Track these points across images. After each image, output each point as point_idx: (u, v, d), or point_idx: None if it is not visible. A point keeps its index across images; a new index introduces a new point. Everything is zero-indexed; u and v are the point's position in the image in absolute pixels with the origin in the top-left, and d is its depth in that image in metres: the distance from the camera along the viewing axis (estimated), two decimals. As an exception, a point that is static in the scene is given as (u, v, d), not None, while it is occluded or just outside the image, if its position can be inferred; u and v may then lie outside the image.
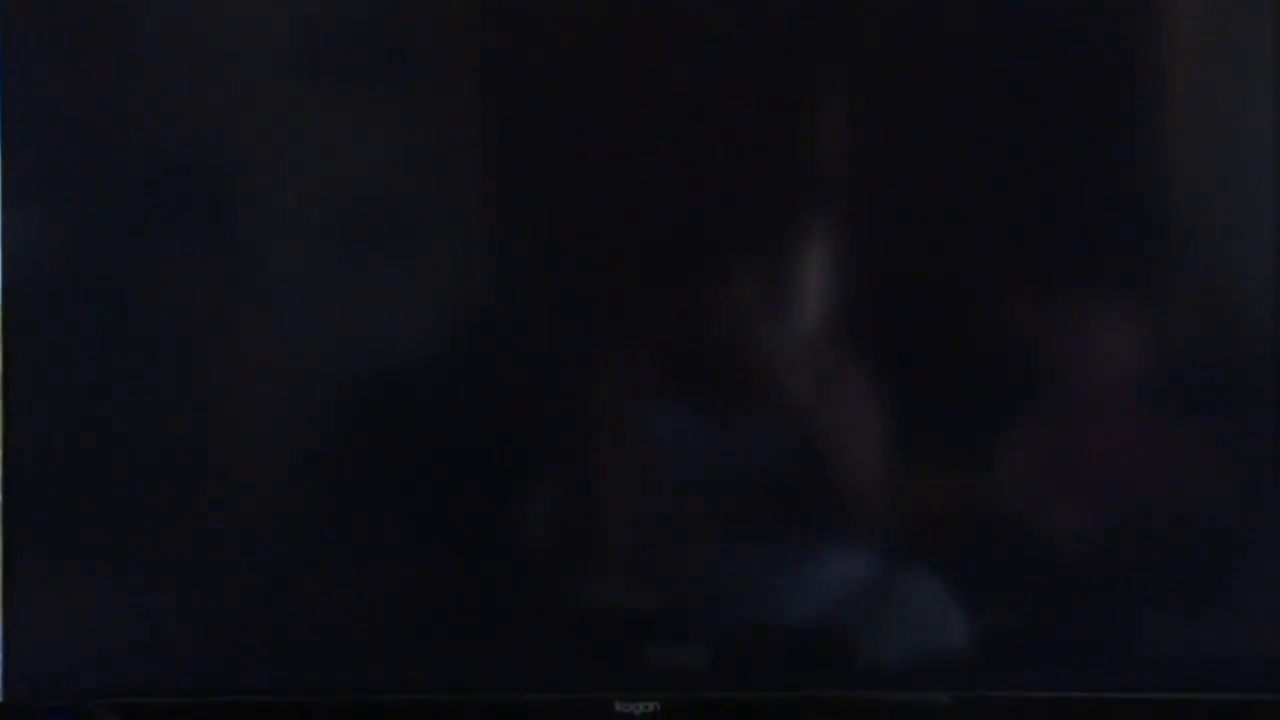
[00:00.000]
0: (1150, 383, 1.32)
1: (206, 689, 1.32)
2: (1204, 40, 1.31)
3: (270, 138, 1.33)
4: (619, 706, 1.30)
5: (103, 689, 1.32)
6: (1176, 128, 1.32)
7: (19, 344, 1.30)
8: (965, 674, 1.31)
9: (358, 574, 1.34)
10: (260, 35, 1.32)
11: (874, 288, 1.33)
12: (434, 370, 1.34)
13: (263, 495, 1.34)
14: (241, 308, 1.33)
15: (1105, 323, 1.32)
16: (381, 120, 1.33)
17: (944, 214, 1.32)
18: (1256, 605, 1.29)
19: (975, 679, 1.31)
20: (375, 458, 1.34)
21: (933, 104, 1.32)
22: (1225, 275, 1.31)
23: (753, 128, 1.32)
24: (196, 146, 1.33)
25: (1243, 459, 1.30)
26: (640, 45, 1.32)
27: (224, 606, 1.33)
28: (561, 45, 1.32)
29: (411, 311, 1.33)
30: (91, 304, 1.32)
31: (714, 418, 1.33)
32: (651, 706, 1.30)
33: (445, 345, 1.34)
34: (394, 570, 1.33)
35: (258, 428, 1.34)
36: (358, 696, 1.33)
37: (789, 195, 1.33)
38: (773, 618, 1.32)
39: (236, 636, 1.33)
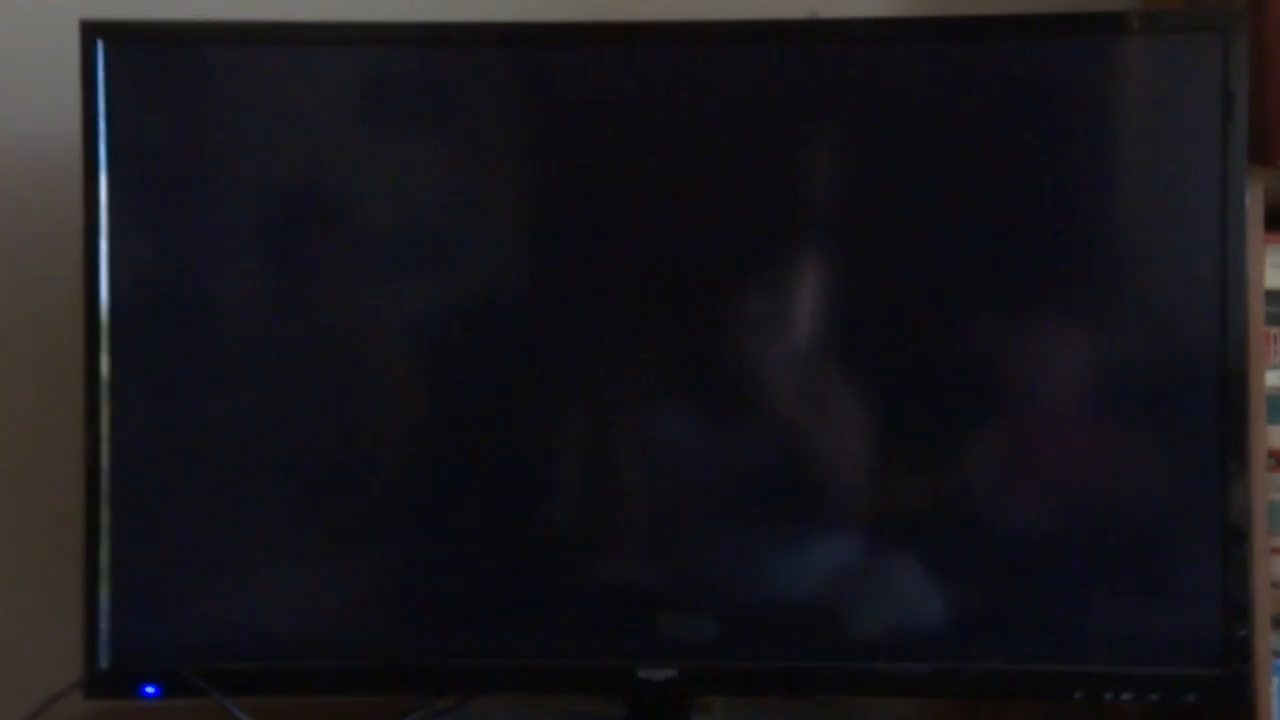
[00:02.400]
0: (1099, 394, 1.46)
1: (279, 656, 1.46)
2: (1152, 107, 1.45)
3: (339, 173, 1.47)
4: (641, 673, 1.44)
5: (191, 657, 1.44)
6: (1123, 177, 1.46)
7: (123, 349, 1.44)
8: (940, 648, 1.45)
9: (416, 558, 1.48)
10: (331, 88, 1.46)
11: (859, 312, 1.47)
12: (476, 376, 1.47)
13: (336, 488, 1.47)
14: (313, 314, 1.47)
15: (1060, 342, 1.45)
16: (433, 157, 1.48)
17: (921, 247, 1.46)
18: (1190, 589, 1.42)
19: (949, 652, 1.44)
20: (430, 456, 1.48)
21: (913, 158, 1.46)
22: (1165, 304, 1.45)
23: (756, 175, 1.46)
24: (275, 179, 1.47)
25: (1179, 461, 1.43)
26: (661, 105, 1.46)
27: (295, 585, 1.47)
28: (590, 96, 1.46)
29: (451, 327, 1.47)
30: (185, 312, 1.46)
31: (722, 420, 1.46)
32: (669, 673, 1.44)
33: (483, 355, 1.47)
34: (446, 555, 1.47)
35: (330, 425, 1.47)
36: (415, 660, 1.46)
37: (785, 231, 1.47)
38: (774, 598, 1.46)
39: (306, 610, 1.47)
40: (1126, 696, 1.42)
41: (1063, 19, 1.45)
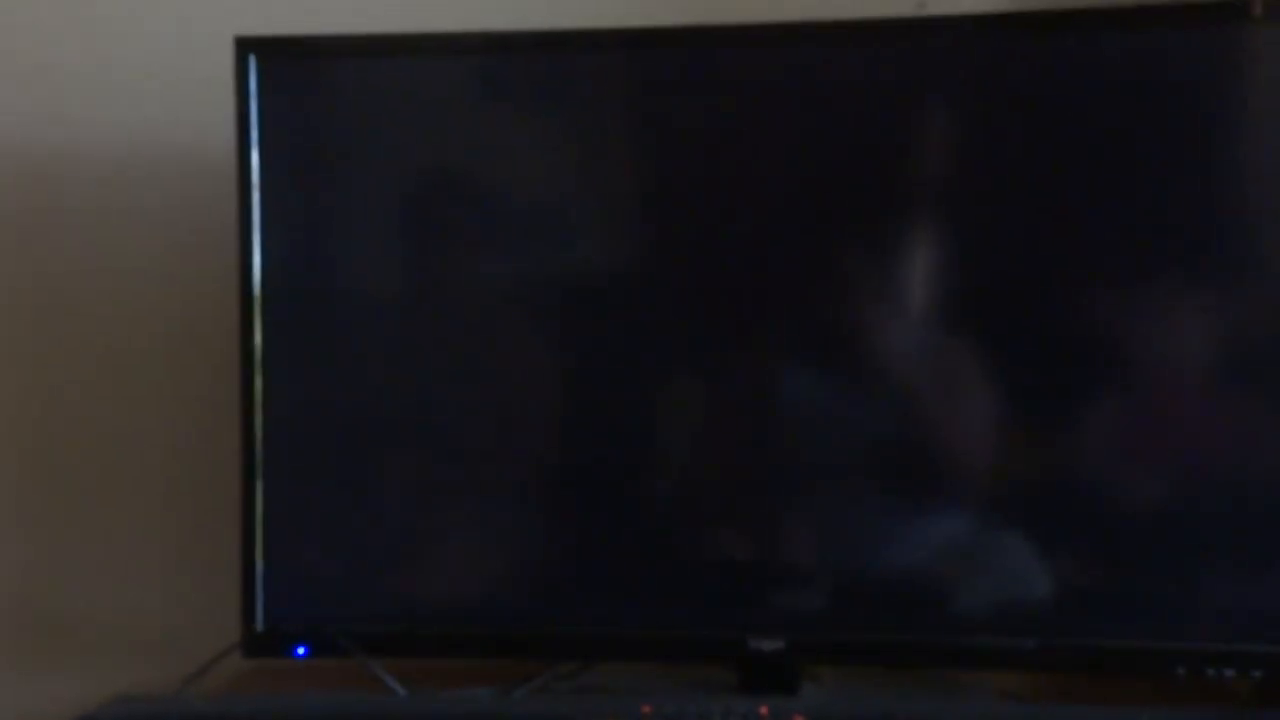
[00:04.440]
0: (1209, 369, 1.46)
1: (416, 620, 1.56)
2: (1265, 92, 1.45)
3: (468, 166, 1.57)
4: (751, 643, 1.49)
5: (338, 620, 1.55)
6: (1237, 157, 1.47)
7: (276, 331, 1.55)
8: (1047, 623, 1.46)
9: (542, 529, 1.56)
10: (460, 79, 1.57)
11: (977, 285, 1.49)
12: (598, 351, 1.54)
13: (470, 462, 1.56)
14: (445, 295, 1.56)
15: (1168, 318, 1.46)
16: (555, 148, 1.56)
17: (1036, 218, 1.48)
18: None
19: (1056, 627, 1.46)
20: (555, 429, 1.57)
21: (1032, 144, 1.48)
22: (1274, 278, 1.44)
23: (879, 160, 1.50)
24: (409, 172, 1.57)
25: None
26: (781, 98, 1.51)
27: (432, 554, 1.57)
28: (708, 92, 1.52)
29: (573, 305, 1.55)
30: (331, 296, 1.57)
31: (837, 392, 1.50)
32: (779, 644, 1.48)
33: (604, 330, 1.54)
34: (570, 526, 1.55)
35: (465, 400, 1.56)
36: (539, 627, 1.54)
37: (906, 204, 1.50)
38: (884, 571, 1.49)
39: (441, 578, 1.57)
40: (1229, 673, 1.42)
41: (1177, 9, 1.45)
